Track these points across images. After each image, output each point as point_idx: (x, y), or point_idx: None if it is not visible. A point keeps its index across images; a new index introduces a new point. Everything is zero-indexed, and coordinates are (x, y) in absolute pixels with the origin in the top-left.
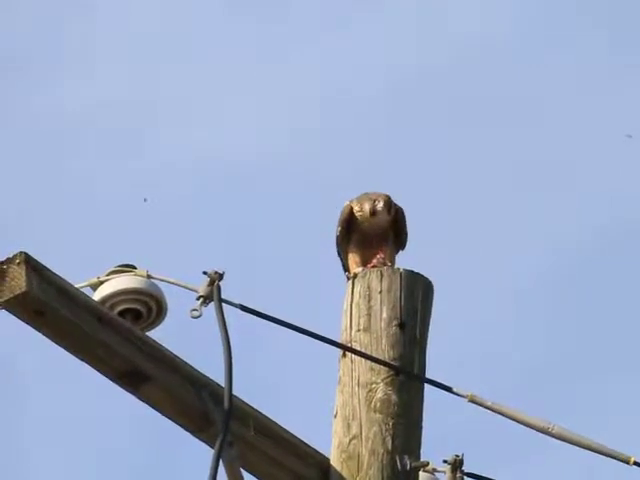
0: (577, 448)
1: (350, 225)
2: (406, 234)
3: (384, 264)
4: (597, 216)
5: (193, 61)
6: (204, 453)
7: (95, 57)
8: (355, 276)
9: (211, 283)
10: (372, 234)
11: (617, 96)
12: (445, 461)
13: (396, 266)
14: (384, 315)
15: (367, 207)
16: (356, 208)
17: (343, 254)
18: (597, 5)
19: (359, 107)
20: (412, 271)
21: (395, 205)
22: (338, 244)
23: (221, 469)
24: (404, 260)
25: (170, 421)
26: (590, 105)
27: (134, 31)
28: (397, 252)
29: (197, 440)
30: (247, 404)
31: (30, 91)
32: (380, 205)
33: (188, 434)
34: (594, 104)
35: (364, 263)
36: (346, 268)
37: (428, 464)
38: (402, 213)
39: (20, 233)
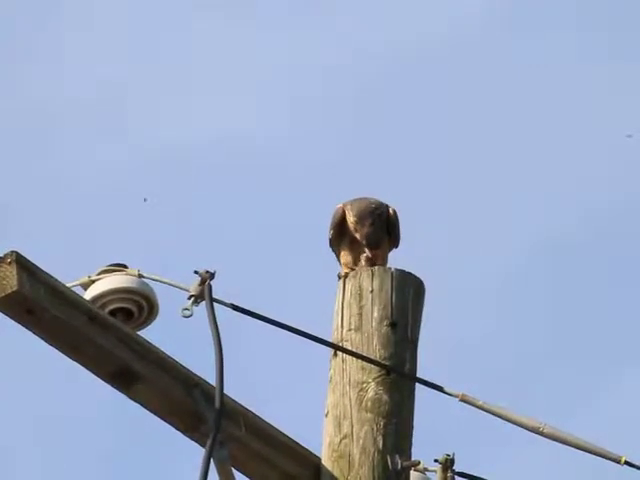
0: (568, 447)
1: (342, 227)
2: (399, 234)
3: (372, 263)
4: (594, 215)
5: (189, 48)
6: (195, 453)
7: (93, 43)
8: (346, 275)
9: (202, 282)
10: (364, 244)
11: (617, 96)
12: (436, 460)
13: (387, 265)
14: (375, 314)
15: (360, 237)
16: (350, 216)
17: (337, 253)
18: (597, 5)
19: (355, 101)
20: (403, 270)
21: (388, 208)
22: (331, 245)
23: (212, 469)
24: (395, 260)
25: (161, 420)
26: (590, 105)
27: (130, 14)
28: (390, 250)
29: (188, 440)
30: (238, 403)
31: (18, 84)
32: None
33: (179, 433)
34: (594, 104)
35: (355, 263)
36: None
37: (419, 463)
38: (395, 214)
39: (11, 232)
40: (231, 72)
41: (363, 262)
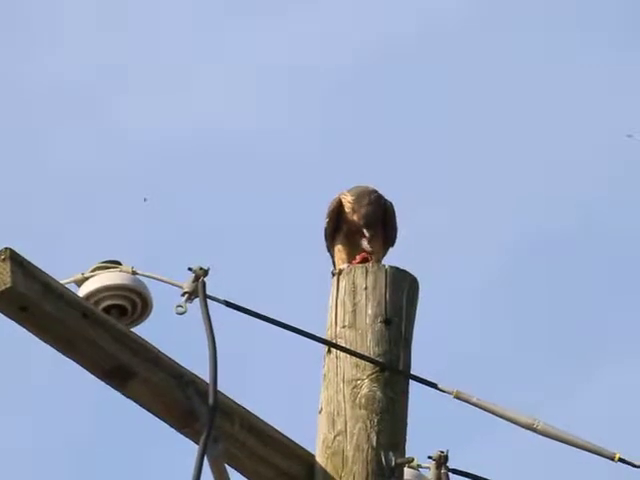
0: (562, 444)
1: (338, 217)
2: (395, 230)
3: (371, 253)
4: (594, 213)
5: (161, 36)
6: (189, 450)
7: (63, 31)
8: (340, 272)
9: (196, 279)
10: (360, 227)
11: (617, 96)
12: (430, 457)
13: (382, 262)
14: (369, 311)
15: (358, 217)
16: (347, 197)
17: (331, 248)
18: (598, 3)
19: (352, 99)
20: (397, 268)
21: (386, 201)
22: (326, 237)
23: (206, 465)
24: (389, 257)
25: (155, 417)
26: (590, 105)
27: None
28: (387, 249)
29: (182, 436)
30: (232, 400)
31: (10, 77)
32: (368, 247)
33: (173, 430)
34: (594, 104)
35: (350, 259)
36: (334, 263)
37: (413, 460)
38: (392, 208)
39: (5, 229)
40: (227, 68)
41: (365, 244)
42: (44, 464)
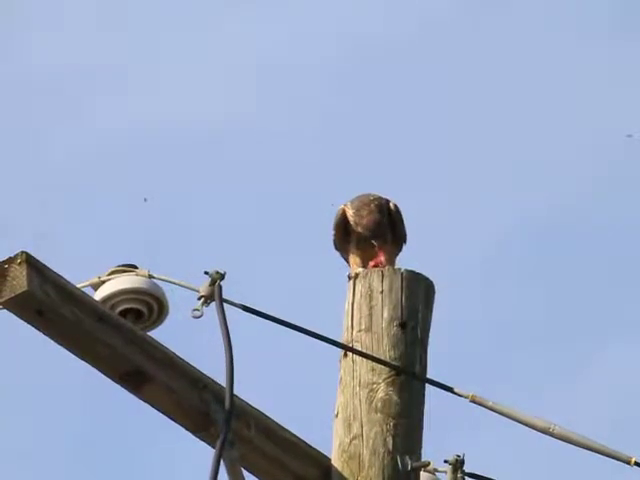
0: (578, 448)
1: (346, 228)
2: (404, 229)
3: (384, 266)
4: (593, 212)
5: (134, 29)
6: (205, 453)
7: (62, 30)
8: (356, 276)
9: (212, 283)
10: (368, 236)
11: (617, 96)
12: (446, 461)
13: (397, 266)
14: (385, 315)
15: (362, 229)
16: (349, 210)
17: (345, 254)
18: (597, 4)
19: (348, 98)
20: (413, 271)
21: (389, 202)
22: (336, 247)
23: (222, 469)
24: (405, 260)
25: (171, 420)
26: (590, 105)
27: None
28: (400, 247)
29: (198, 440)
30: (248, 404)
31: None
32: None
33: (189, 433)
34: (594, 104)
35: (364, 263)
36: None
37: (429, 464)
38: (397, 208)
39: (21, 232)
40: (226, 67)
41: (382, 258)
42: (44, 464)
